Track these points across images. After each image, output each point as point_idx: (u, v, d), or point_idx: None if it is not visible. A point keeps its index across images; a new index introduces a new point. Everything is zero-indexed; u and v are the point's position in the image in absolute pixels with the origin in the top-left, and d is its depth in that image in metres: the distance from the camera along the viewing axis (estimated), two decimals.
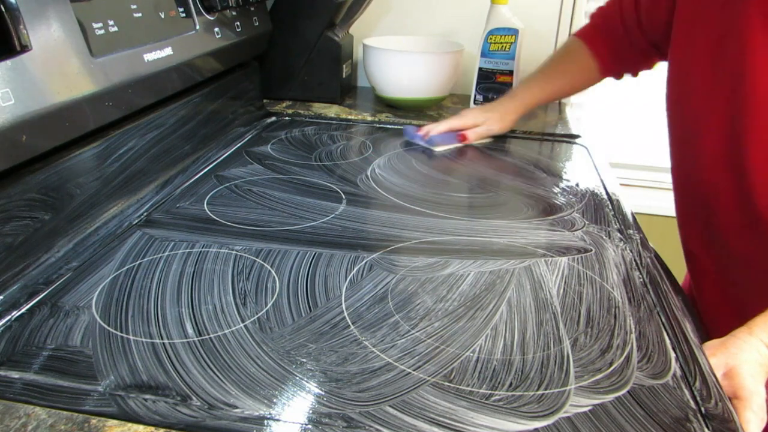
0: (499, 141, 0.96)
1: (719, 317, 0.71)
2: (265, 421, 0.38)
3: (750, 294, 0.66)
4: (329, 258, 0.58)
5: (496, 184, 0.78)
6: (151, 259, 0.57)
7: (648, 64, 0.86)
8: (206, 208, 0.68)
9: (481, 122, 0.93)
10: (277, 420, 0.38)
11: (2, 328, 0.47)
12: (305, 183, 0.76)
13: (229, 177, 0.77)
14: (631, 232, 0.66)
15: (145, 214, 0.66)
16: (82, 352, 0.44)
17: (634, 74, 0.88)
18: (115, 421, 0.38)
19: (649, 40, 0.81)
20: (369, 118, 1.05)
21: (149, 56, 0.67)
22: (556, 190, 0.77)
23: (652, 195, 1.40)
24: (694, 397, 0.42)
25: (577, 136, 0.97)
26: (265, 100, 1.09)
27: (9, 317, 0.48)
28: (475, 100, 1.12)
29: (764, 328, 0.50)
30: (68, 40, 0.55)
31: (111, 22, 0.61)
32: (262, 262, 0.57)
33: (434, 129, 0.92)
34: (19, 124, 0.49)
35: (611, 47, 0.86)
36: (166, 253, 0.58)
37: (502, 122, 0.93)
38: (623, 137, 1.42)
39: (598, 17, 0.88)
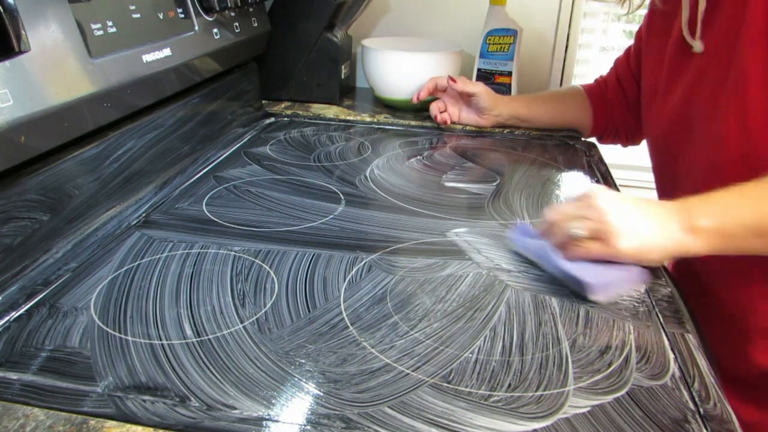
0: (500, 141, 0.96)
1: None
2: (264, 422, 0.38)
3: (721, 281, 0.68)
4: (328, 259, 0.58)
5: (495, 184, 0.78)
6: (149, 260, 0.57)
7: (639, 132, 0.92)
8: (205, 209, 0.68)
9: (473, 83, 0.96)
10: (276, 421, 0.38)
11: (1, 329, 0.46)
12: (304, 184, 0.76)
13: (227, 178, 0.77)
14: None
15: (143, 214, 0.66)
16: (81, 353, 0.44)
17: (625, 139, 0.95)
18: (113, 422, 0.38)
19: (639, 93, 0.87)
20: (368, 119, 1.05)
21: (148, 57, 0.67)
22: (556, 190, 0.77)
23: (651, 196, 1.40)
24: (692, 398, 0.42)
25: (578, 137, 0.97)
26: (263, 101, 1.09)
27: (7, 318, 0.48)
28: None
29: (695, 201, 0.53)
30: (67, 41, 0.55)
31: (110, 23, 0.61)
32: (261, 263, 0.57)
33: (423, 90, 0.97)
34: (17, 125, 0.49)
35: (605, 95, 0.93)
36: (165, 254, 0.58)
37: (494, 100, 0.95)
38: None
39: (599, 78, 0.96)
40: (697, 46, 0.65)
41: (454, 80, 0.94)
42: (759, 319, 0.63)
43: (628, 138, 0.94)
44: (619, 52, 0.92)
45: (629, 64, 0.89)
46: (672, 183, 0.72)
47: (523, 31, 1.07)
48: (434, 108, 0.98)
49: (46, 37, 0.52)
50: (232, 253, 0.58)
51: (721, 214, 0.51)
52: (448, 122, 0.98)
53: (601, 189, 0.55)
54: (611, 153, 1.03)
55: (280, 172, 0.79)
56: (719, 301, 0.67)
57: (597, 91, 0.94)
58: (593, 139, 0.99)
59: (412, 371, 0.44)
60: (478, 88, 0.94)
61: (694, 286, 0.69)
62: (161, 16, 0.71)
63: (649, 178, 1.38)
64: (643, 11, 0.83)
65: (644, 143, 0.93)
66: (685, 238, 0.51)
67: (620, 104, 0.91)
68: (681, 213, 0.52)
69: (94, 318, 0.48)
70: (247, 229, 0.63)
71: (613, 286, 0.52)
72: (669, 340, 0.48)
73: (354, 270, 0.56)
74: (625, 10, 0.73)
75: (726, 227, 0.51)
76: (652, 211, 0.53)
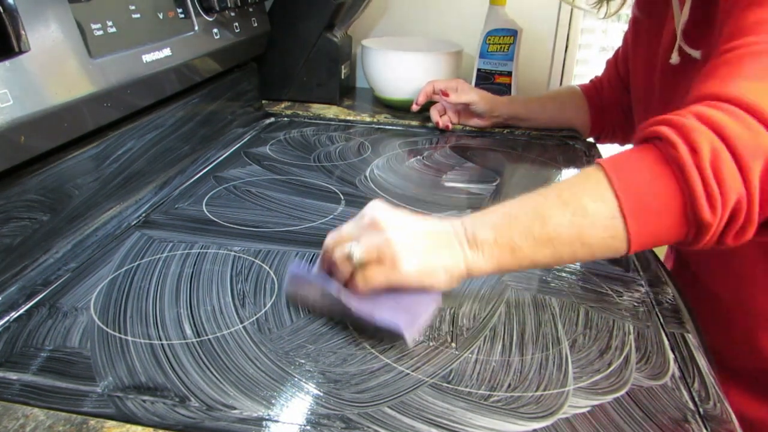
0: (500, 140, 0.96)
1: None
2: (264, 422, 0.38)
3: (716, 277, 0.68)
4: None
5: (495, 184, 0.78)
6: (149, 260, 0.57)
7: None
8: (205, 209, 0.68)
9: (470, 90, 0.95)
10: (276, 421, 0.38)
11: (1, 329, 0.46)
12: (304, 184, 0.76)
13: (227, 178, 0.77)
14: None
15: (143, 215, 0.66)
16: (81, 353, 0.44)
17: (622, 138, 0.95)
18: (113, 422, 0.38)
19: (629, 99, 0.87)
20: (368, 119, 1.05)
21: (148, 57, 0.67)
22: None
23: None
24: (692, 398, 0.42)
25: (577, 137, 0.97)
26: (263, 101, 1.09)
27: (7, 318, 0.48)
28: None
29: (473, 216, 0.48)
30: (67, 41, 0.55)
31: (109, 23, 0.61)
32: (261, 263, 0.57)
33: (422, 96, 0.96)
34: (17, 125, 0.49)
35: (601, 96, 0.93)
36: (165, 254, 0.58)
37: (491, 104, 0.95)
38: None
39: (594, 78, 0.96)
40: (674, 57, 0.65)
41: (446, 94, 0.93)
42: (760, 314, 0.64)
43: (625, 138, 0.95)
44: None
45: (617, 67, 0.90)
46: None
47: (523, 31, 1.07)
48: (434, 114, 0.98)
49: (46, 37, 0.52)
50: (232, 253, 0.58)
51: (500, 225, 0.46)
52: (450, 127, 0.98)
53: (379, 206, 0.48)
54: (610, 153, 1.03)
55: (280, 172, 0.79)
56: (718, 299, 0.68)
57: (593, 91, 0.94)
58: (592, 139, 0.99)
59: (412, 371, 0.43)
60: (473, 96, 0.93)
61: (693, 285, 0.69)
62: (161, 16, 0.71)
63: None
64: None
65: None
66: (470, 254, 0.46)
67: (614, 105, 0.92)
68: (461, 228, 0.47)
69: (94, 318, 0.48)
70: (247, 229, 0.63)
71: (419, 319, 0.46)
72: (669, 340, 0.48)
73: None
74: (602, 15, 0.73)
75: (508, 239, 0.45)
76: (433, 229, 0.47)
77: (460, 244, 0.46)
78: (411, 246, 0.45)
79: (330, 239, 0.49)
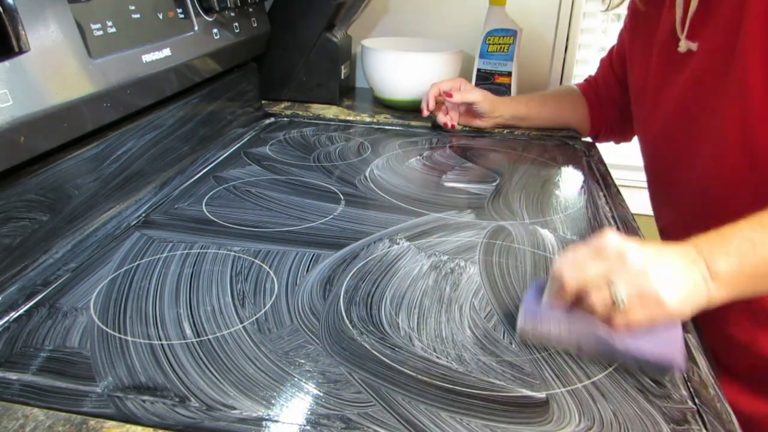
0: (500, 140, 0.96)
1: None
2: (264, 422, 0.38)
3: None
4: (328, 259, 0.58)
5: (495, 184, 0.78)
6: (149, 260, 0.57)
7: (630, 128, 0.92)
8: (204, 209, 0.68)
9: (472, 89, 0.95)
10: (276, 421, 0.38)
11: (1, 329, 0.46)
12: (303, 184, 0.76)
13: (227, 178, 0.77)
14: (630, 234, 0.66)
15: (143, 215, 0.66)
16: (81, 353, 0.44)
17: (619, 135, 0.97)
18: (113, 423, 0.38)
19: (625, 93, 0.87)
20: (367, 119, 1.05)
21: (147, 57, 0.67)
22: (556, 191, 0.77)
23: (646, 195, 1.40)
24: (692, 398, 0.42)
25: (577, 137, 0.97)
26: (263, 101, 1.09)
27: (7, 318, 0.48)
28: None
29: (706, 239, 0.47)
30: (66, 41, 0.55)
31: (109, 23, 0.61)
32: (261, 263, 0.57)
33: (430, 97, 0.95)
34: (17, 125, 0.49)
35: (597, 94, 0.94)
36: (165, 254, 0.58)
37: (493, 104, 0.95)
38: None
39: (589, 77, 0.98)
40: (683, 46, 0.65)
41: (450, 95, 0.93)
42: (758, 311, 0.64)
43: (621, 135, 0.95)
44: None
45: (611, 65, 0.90)
46: (668, 182, 0.72)
47: (523, 31, 1.07)
48: (440, 114, 0.98)
49: (46, 37, 0.52)
50: (232, 253, 0.58)
51: (743, 255, 0.45)
52: (456, 126, 0.98)
53: (618, 238, 0.45)
54: (610, 153, 1.03)
55: (279, 173, 0.79)
56: None
57: (589, 90, 0.95)
58: (590, 138, 0.99)
59: (412, 371, 0.43)
60: (477, 96, 0.93)
61: None
62: (161, 16, 0.71)
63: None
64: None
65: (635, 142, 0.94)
66: (712, 287, 0.45)
67: (610, 102, 0.92)
68: (701, 259, 0.45)
69: (94, 318, 0.48)
70: (246, 229, 0.63)
71: (680, 347, 0.45)
72: None
73: (354, 270, 0.56)
74: (605, 7, 0.73)
75: (748, 268, 0.45)
76: (681, 262, 0.45)
77: (703, 279, 0.45)
78: (670, 283, 0.44)
79: (569, 275, 0.45)
